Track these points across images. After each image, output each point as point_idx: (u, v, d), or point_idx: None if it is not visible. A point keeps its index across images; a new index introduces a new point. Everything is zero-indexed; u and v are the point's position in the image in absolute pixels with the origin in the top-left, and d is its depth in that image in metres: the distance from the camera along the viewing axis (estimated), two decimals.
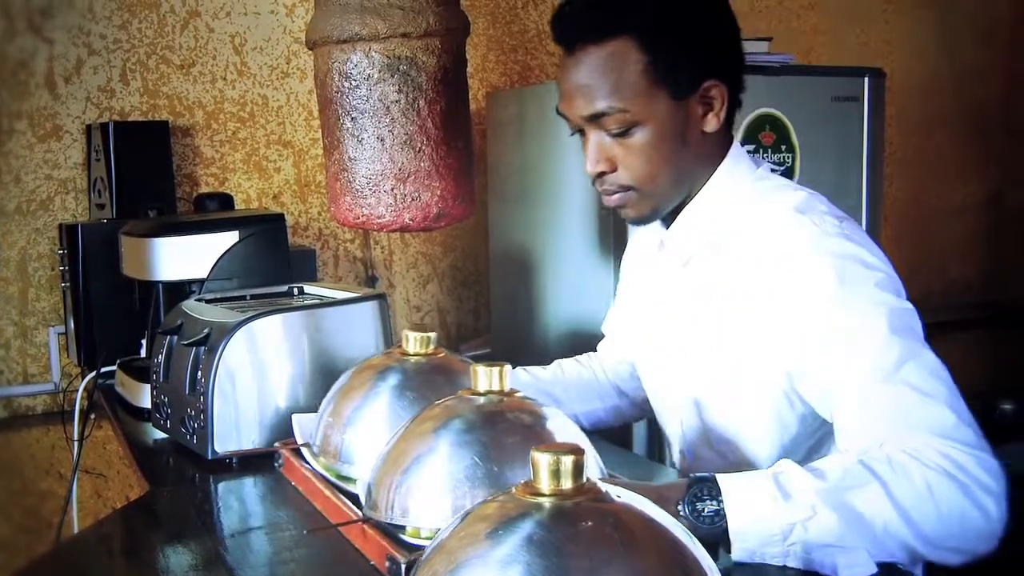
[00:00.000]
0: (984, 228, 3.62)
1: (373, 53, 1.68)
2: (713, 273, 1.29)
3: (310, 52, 1.85)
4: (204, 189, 2.57)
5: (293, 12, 2.64)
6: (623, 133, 1.23)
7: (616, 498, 0.73)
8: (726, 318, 1.27)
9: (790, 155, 2.25)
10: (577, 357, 1.70)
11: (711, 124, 1.27)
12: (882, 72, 2.40)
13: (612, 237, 2.17)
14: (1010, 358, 3.55)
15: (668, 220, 1.36)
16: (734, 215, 1.29)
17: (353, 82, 1.70)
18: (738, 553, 0.98)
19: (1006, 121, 3.65)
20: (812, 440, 1.28)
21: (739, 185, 1.30)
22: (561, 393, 1.58)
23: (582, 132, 1.29)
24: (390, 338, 1.63)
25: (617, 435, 2.03)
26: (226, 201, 2.33)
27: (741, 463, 1.30)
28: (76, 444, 2.17)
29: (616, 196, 1.29)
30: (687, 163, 1.27)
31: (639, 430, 2.14)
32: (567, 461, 0.71)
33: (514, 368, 1.50)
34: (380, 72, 1.68)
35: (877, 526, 0.98)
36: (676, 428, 1.42)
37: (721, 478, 1.00)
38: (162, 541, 1.26)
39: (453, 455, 0.98)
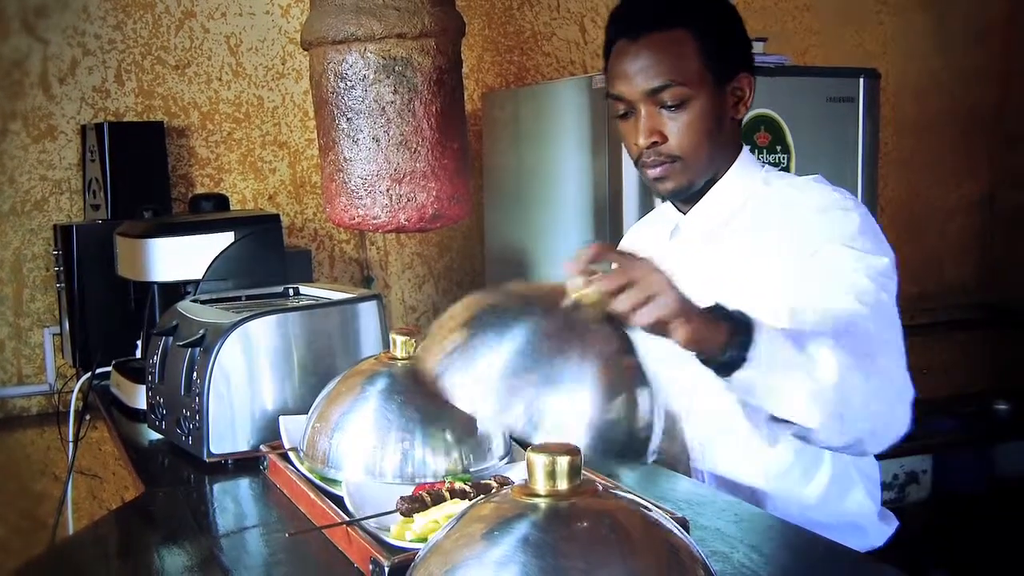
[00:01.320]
0: (979, 229, 3.63)
1: (368, 54, 1.68)
2: (739, 244, 1.44)
3: (306, 53, 1.85)
4: (199, 190, 2.57)
5: (288, 13, 2.63)
6: (678, 106, 1.40)
7: (612, 498, 0.73)
8: (757, 282, 1.38)
9: (785, 156, 2.26)
10: None
11: (740, 112, 1.47)
12: (877, 73, 2.40)
13: (608, 236, 2.17)
14: (1005, 358, 3.56)
15: (684, 207, 1.51)
16: (751, 196, 1.47)
17: (348, 83, 1.70)
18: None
19: (1000, 122, 3.66)
20: None
21: (752, 174, 1.49)
22: None
23: (626, 116, 1.45)
24: (386, 339, 1.63)
25: None
26: (221, 202, 2.32)
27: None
28: (71, 445, 2.16)
29: (661, 167, 1.44)
30: (718, 145, 1.45)
31: None
32: (563, 462, 0.71)
33: None
34: (376, 73, 1.68)
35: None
36: (685, 403, 1.47)
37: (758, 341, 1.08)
38: (157, 542, 1.26)
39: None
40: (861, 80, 2.36)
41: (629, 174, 2.11)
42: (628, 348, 0.98)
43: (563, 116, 2.33)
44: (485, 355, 0.89)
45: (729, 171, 1.48)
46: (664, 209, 1.59)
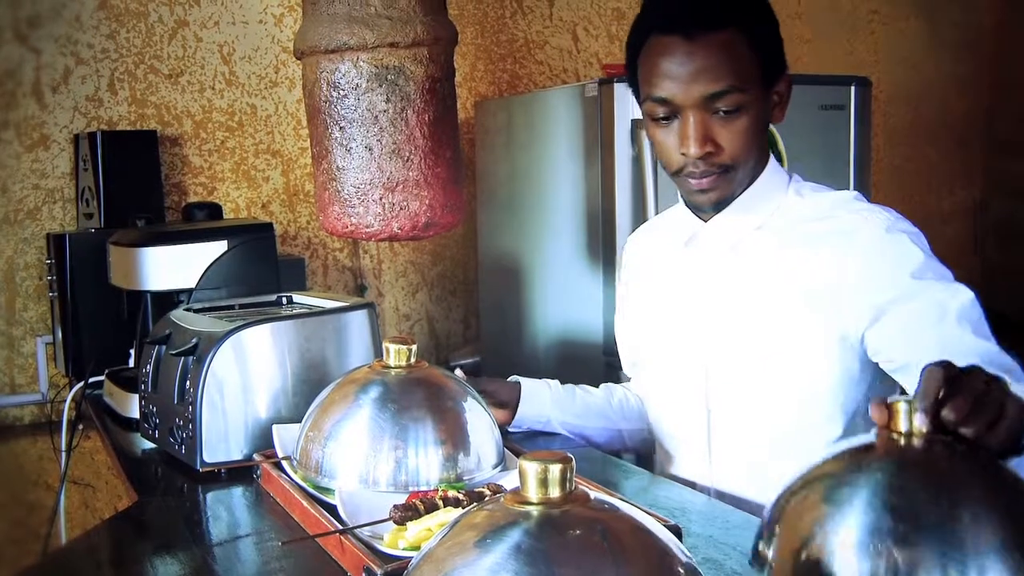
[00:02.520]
0: (971, 236, 3.64)
1: (361, 63, 1.68)
2: (768, 252, 1.38)
3: (299, 62, 1.85)
4: (192, 198, 2.57)
5: (281, 22, 2.64)
6: (732, 112, 1.32)
7: (605, 506, 0.73)
8: (784, 295, 1.34)
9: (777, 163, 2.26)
10: (617, 385, 1.73)
11: (778, 117, 1.40)
12: (868, 81, 2.41)
13: (601, 245, 2.18)
14: None
15: (703, 216, 1.43)
16: (780, 206, 1.40)
17: (341, 91, 1.71)
18: None
19: (991, 130, 3.68)
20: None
21: (780, 184, 1.42)
22: (614, 412, 1.66)
23: (666, 121, 1.35)
24: (379, 347, 1.63)
25: None
26: (215, 210, 2.32)
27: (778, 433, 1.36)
28: (64, 455, 2.16)
29: (710, 178, 1.35)
30: (762, 151, 1.39)
31: None
32: (555, 470, 0.71)
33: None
34: (368, 82, 1.68)
35: None
36: (699, 418, 1.44)
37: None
38: (150, 552, 1.25)
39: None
40: (853, 88, 2.37)
41: (622, 182, 2.11)
42: None
43: (556, 124, 2.34)
44: None
45: (758, 180, 1.40)
46: (676, 215, 1.51)
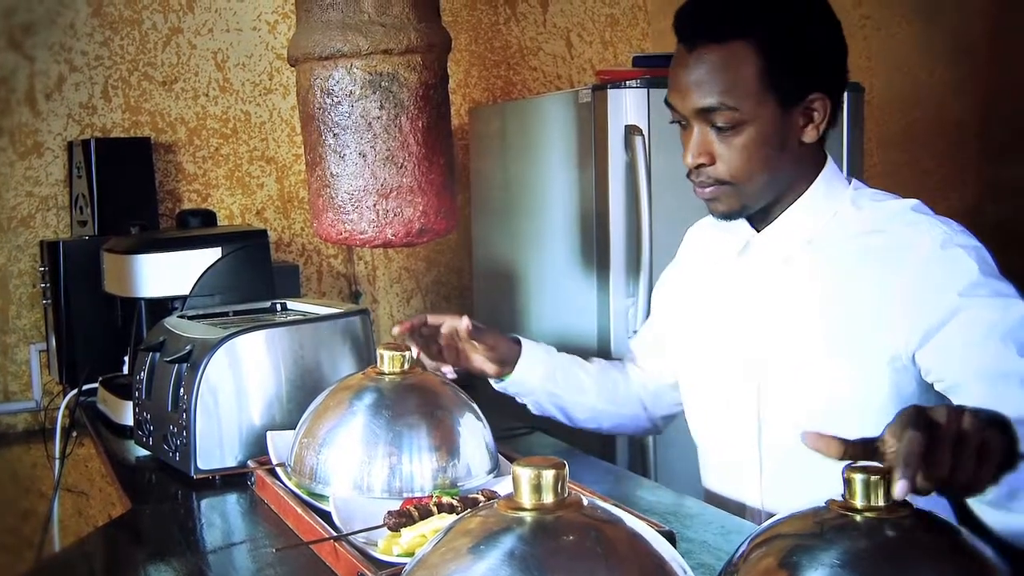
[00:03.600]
0: None
1: (355, 70, 1.69)
2: (819, 266, 1.34)
3: (292, 68, 1.85)
4: (187, 205, 2.57)
5: (275, 29, 2.64)
6: (729, 129, 1.29)
7: (598, 512, 0.74)
8: (834, 313, 1.31)
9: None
10: (612, 362, 1.70)
11: (810, 135, 1.33)
12: (861, 87, 2.42)
13: (595, 251, 2.18)
14: None
15: (757, 224, 1.40)
16: (836, 216, 1.35)
17: (335, 98, 1.71)
18: None
19: (985, 135, 3.69)
20: None
21: (838, 192, 1.37)
22: (604, 394, 1.62)
23: (683, 125, 1.34)
24: (374, 354, 1.63)
25: (600, 448, 2.04)
26: (209, 217, 2.32)
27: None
28: (58, 462, 2.15)
29: (710, 189, 1.34)
30: (782, 169, 1.33)
31: (621, 444, 2.14)
32: (548, 475, 0.72)
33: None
34: (362, 88, 1.68)
35: None
36: (751, 437, 1.40)
37: None
38: (144, 559, 1.25)
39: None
40: (846, 94, 2.37)
41: (616, 188, 2.12)
42: None
43: (550, 130, 2.34)
44: None
45: (809, 190, 1.35)
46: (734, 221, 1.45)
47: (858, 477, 0.75)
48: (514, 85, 2.96)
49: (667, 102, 1.35)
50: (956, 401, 1.21)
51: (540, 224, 2.40)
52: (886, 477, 0.75)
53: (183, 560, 1.20)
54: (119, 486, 1.55)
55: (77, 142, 2.37)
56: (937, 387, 1.26)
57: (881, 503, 0.75)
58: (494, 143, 2.62)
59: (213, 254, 1.90)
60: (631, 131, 2.09)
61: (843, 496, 0.76)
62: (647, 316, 1.72)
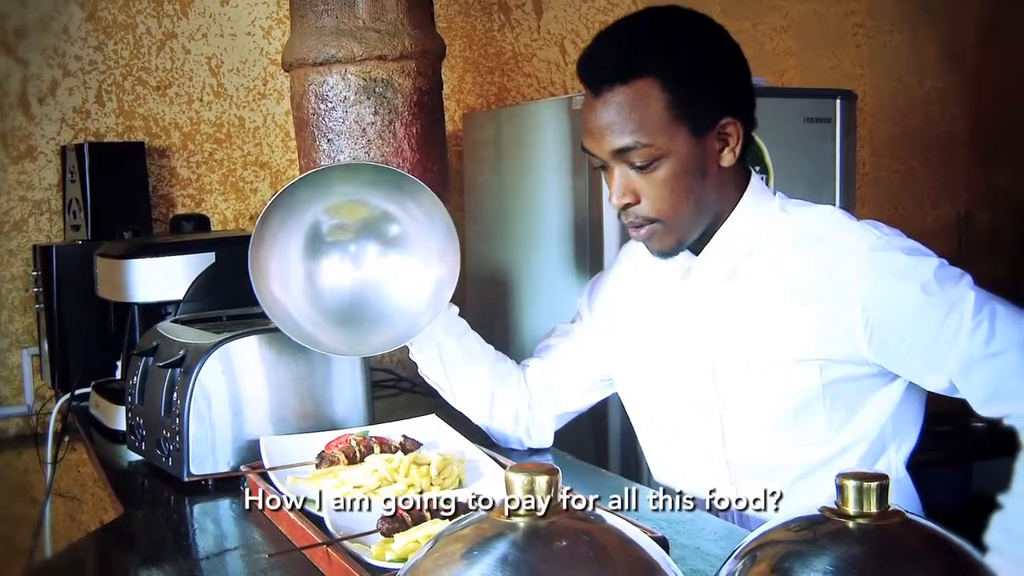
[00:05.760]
0: (954, 248, 3.66)
1: (349, 75, 1.69)
2: (761, 280, 1.37)
3: (287, 74, 1.85)
4: (180, 210, 2.56)
5: (270, 34, 2.64)
6: (647, 167, 1.31)
7: (591, 518, 0.74)
8: (784, 319, 1.34)
9: (763, 176, 2.28)
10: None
11: (727, 159, 1.36)
12: (853, 94, 2.43)
13: (588, 258, 2.18)
14: None
15: (694, 247, 1.42)
16: (768, 225, 1.39)
17: (329, 104, 1.71)
18: None
19: (975, 142, 3.71)
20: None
21: (766, 205, 1.40)
22: (488, 367, 1.64)
23: (605, 168, 1.37)
24: (366, 358, 1.63)
25: (593, 455, 2.04)
26: (202, 222, 2.32)
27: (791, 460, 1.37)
28: (49, 467, 2.15)
29: (643, 229, 1.37)
30: (707, 196, 1.36)
31: (614, 449, 2.14)
32: (541, 481, 0.72)
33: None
34: (356, 94, 1.69)
35: None
36: (713, 438, 1.43)
37: None
38: (136, 564, 1.25)
39: None
40: (838, 101, 2.38)
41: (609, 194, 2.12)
42: None
43: (543, 136, 2.35)
44: None
45: (736, 210, 1.38)
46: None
47: (851, 483, 0.75)
48: (508, 91, 2.96)
49: (584, 148, 1.38)
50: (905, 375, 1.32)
51: (534, 230, 2.41)
52: (880, 483, 0.76)
53: (176, 566, 1.20)
54: (111, 491, 1.55)
55: (71, 146, 2.37)
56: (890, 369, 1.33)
57: (874, 509, 0.75)
58: (488, 149, 2.63)
59: (206, 259, 1.90)
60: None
61: (836, 503, 0.76)
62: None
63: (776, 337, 1.36)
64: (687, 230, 1.37)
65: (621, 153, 1.32)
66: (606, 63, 1.34)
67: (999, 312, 1.28)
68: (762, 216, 1.39)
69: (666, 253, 1.39)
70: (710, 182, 1.35)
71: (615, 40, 1.36)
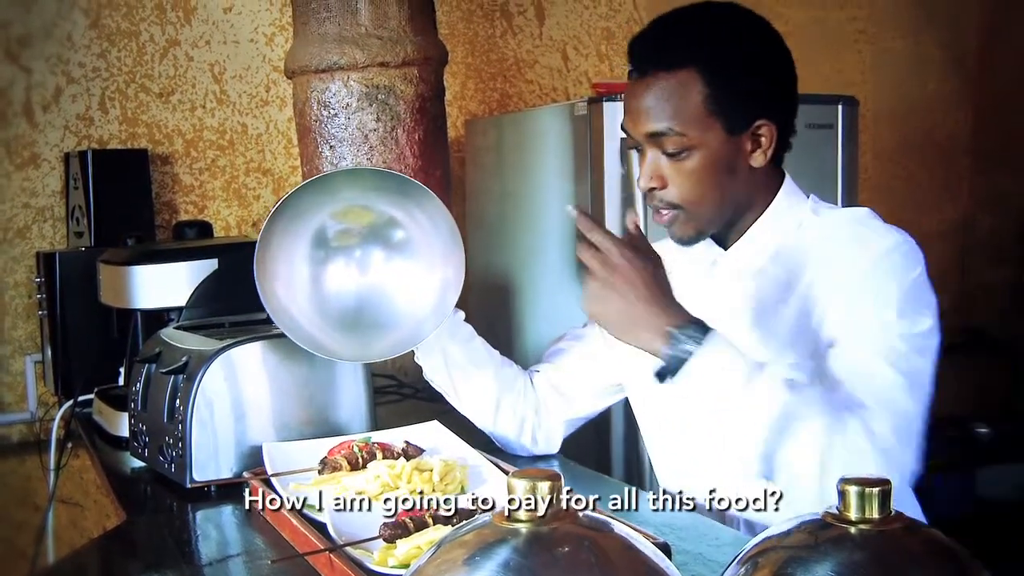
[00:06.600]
0: (958, 254, 3.66)
1: (351, 82, 1.69)
2: (788, 275, 1.38)
3: (289, 81, 1.86)
4: (183, 217, 2.57)
5: (272, 41, 2.65)
6: (678, 155, 1.33)
7: (593, 523, 0.74)
8: (796, 319, 1.35)
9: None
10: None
11: (758, 160, 1.37)
12: (855, 100, 2.43)
13: None
14: (984, 383, 3.59)
15: (723, 242, 1.44)
16: (800, 227, 1.40)
17: (332, 111, 1.71)
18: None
19: (977, 147, 3.71)
20: None
21: (797, 208, 1.42)
22: (495, 374, 1.63)
23: (639, 150, 1.39)
24: (369, 364, 1.63)
25: (596, 462, 2.04)
26: (205, 229, 2.33)
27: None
28: (52, 474, 2.15)
29: (666, 215, 1.38)
30: (733, 191, 1.38)
31: (617, 455, 2.14)
32: (543, 487, 0.72)
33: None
34: (358, 101, 1.69)
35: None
36: (724, 439, 1.41)
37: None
38: (139, 571, 1.25)
39: None
40: (840, 107, 2.39)
41: (611, 200, 2.13)
42: None
43: (546, 143, 2.35)
44: None
45: (770, 207, 1.40)
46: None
47: (852, 489, 0.75)
48: (510, 98, 2.97)
49: (623, 127, 1.40)
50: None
51: (536, 236, 2.41)
52: (882, 489, 0.76)
53: (178, 572, 1.20)
54: (114, 498, 1.55)
55: (74, 153, 2.37)
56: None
57: (876, 515, 0.75)
58: (490, 155, 2.63)
59: (209, 265, 1.90)
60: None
61: (837, 508, 0.76)
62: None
63: (791, 336, 1.36)
64: (709, 222, 1.39)
65: (654, 137, 1.34)
66: (654, 47, 1.36)
67: (921, 368, 1.28)
68: (793, 218, 1.41)
69: (686, 241, 1.41)
70: (739, 178, 1.37)
71: (667, 26, 1.38)
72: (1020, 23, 3.56)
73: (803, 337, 1.35)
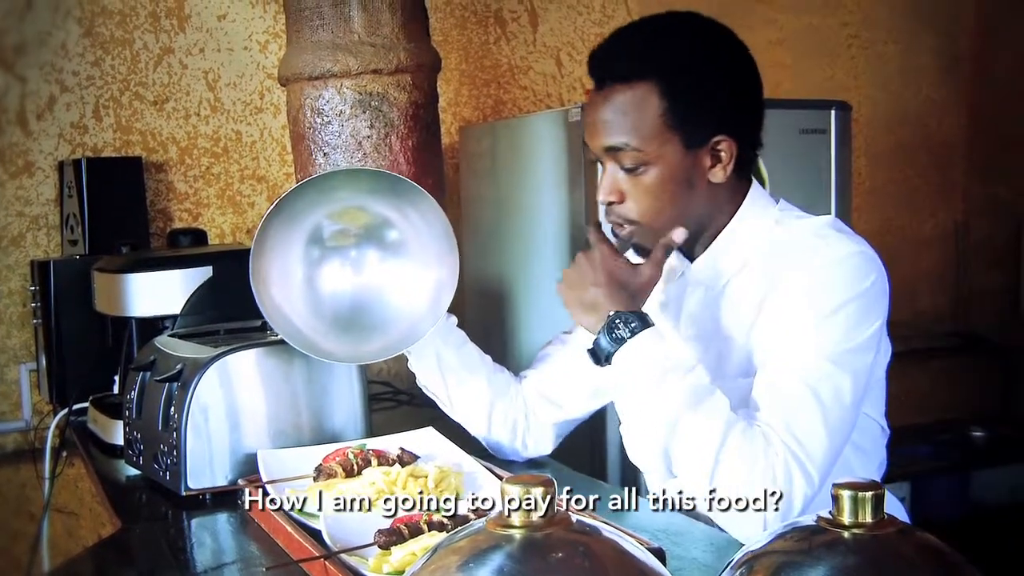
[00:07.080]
0: (952, 258, 3.67)
1: (345, 89, 1.70)
2: (754, 285, 1.36)
3: (283, 88, 1.86)
4: (178, 224, 2.57)
5: (266, 49, 2.65)
6: (635, 169, 1.32)
7: (587, 529, 0.74)
8: (762, 328, 1.34)
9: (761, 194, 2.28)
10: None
11: (717, 176, 1.34)
12: (848, 105, 2.44)
13: None
14: (979, 386, 3.59)
15: (689, 254, 1.42)
16: (764, 238, 1.38)
17: (325, 118, 1.72)
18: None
19: (971, 152, 3.72)
20: None
21: (763, 218, 1.39)
22: (488, 380, 1.63)
23: (600, 164, 1.38)
24: (364, 370, 1.63)
25: (590, 467, 2.04)
26: (199, 236, 2.33)
27: None
28: (47, 482, 2.14)
29: (624, 230, 1.38)
30: (692, 206, 1.35)
31: (613, 461, 2.14)
32: (537, 493, 0.72)
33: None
34: (352, 108, 1.70)
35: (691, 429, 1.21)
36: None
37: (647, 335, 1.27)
38: None
39: None
40: (833, 112, 2.39)
41: None
42: None
43: (540, 149, 2.36)
44: None
45: (730, 223, 1.38)
46: None
47: (846, 493, 0.76)
48: (504, 104, 2.97)
49: (583, 141, 1.39)
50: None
51: (530, 242, 2.41)
52: (875, 493, 0.76)
53: None
54: (109, 506, 1.54)
55: (68, 162, 2.37)
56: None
57: (869, 519, 0.75)
58: (484, 162, 2.63)
59: (203, 273, 1.90)
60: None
61: (831, 513, 0.77)
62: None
63: (747, 349, 1.35)
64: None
65: (611, 151, 1.33)
66: (613, 59, 1.34)
67: (844, 388, 1.25)
68: (757, 229, 1.38)
69: (645, 253, 1.38)
70: (698, 193, 1.35)
71: (627, 39, 1.37)
72: (1014, 28, 3.58)
73: (748, 351, 1.34)
